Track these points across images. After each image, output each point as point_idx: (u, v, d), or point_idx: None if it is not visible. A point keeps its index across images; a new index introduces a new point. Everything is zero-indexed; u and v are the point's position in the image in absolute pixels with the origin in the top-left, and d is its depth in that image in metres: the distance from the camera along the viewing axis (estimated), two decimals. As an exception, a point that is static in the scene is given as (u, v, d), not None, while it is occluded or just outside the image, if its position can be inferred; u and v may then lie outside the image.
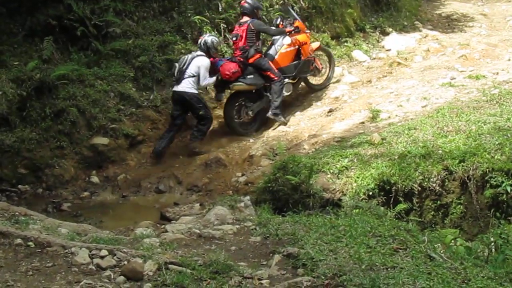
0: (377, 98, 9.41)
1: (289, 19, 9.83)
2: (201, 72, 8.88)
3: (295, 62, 9.71)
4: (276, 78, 9.25)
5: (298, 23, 9.75)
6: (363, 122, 8.53)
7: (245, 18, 9.34)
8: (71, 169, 8.35)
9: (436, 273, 4.01)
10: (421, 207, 6.68)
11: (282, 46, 9.63)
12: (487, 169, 6.49)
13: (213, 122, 9.25)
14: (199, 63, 8.89)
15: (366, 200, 6.47)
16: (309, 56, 9.87)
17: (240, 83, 9.21)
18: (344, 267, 4.05)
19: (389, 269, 4.08)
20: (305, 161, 7.08)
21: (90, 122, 8.63)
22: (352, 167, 6.94)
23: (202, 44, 9.10)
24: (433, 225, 6.49)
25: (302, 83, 10.21)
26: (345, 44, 11.74)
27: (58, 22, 9.27)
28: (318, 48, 10.26)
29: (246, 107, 9.38)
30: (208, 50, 9.06)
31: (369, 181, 6.63)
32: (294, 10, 10.32)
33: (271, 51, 9.66)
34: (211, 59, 9.07)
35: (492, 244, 4.92)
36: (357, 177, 6.74)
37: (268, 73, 9.27)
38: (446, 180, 6.66)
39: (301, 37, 9.74)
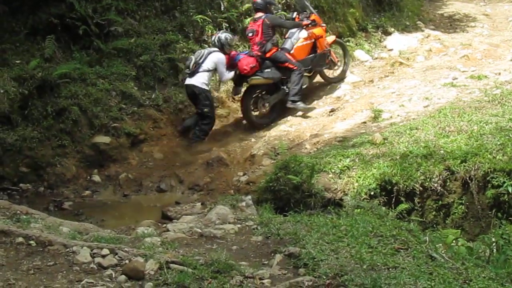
0: (379, 98, 9.40)
1: (305, 12, 9.93)
2: (219, 69, 9.03)
3: (311, 55, 9.82)
4: (295, 68, 9.37)
5: (314, 16, 9.89)
6: (365, 122, 8.53)
7: (259, 14, 9.44)
8: (73, 168, 8.34)
9: (438, 273, 4.00)
10: (422, 207, 6.67)
11: (298, 39, 9.74)
12: (489, 169, 6.48)
13: (215, 121, 9.26)
14: (215, 59, 8.99)
15: (368, 200, 6.46)
16: (325, 49, 9.96)
17: (258, 77, 9.30)
18: (345, 267, 4.05)
19: (390, 269, 4.07)
20: (307, 161, 7.07)
21: (91, 121, 8.63)
22: (353, 167, 6.93)
23: (216, 40, 9.20)
24: (434, 225, 6.48)
25: (318, 77, 10.30)
26: (347, 43, 11.74)
27: (60, 20, 9.27)
28: (334, 42, 10.36)
29: (263, 99, 9.48)
30: (222, 47, 9.15)
31: (371, 181, 6.63)
32: (309, 3, 10.37)
33: (287, 45, 9.74)
34: (227, 56, 9.17)
35: (494, 244, 4.92)
36: (359, 177, 6.74)
37: (286, 64, 9.38)
38: (448, 180, 6.65)
39: (317, 31, 9.86)
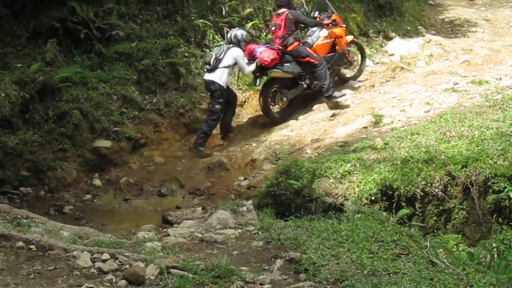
0: (380, 103, 9.40)
1: (326, 12, 10.08)
2: (240, 64, 9.19)
3: (330, 54, 9.95)
4: (316, 62, 9.45)
5: (335, 16, 10.05)
6: (365, 127, 8.52)
7: (282, 9, 9.54)
8: (74, 172, 8.35)
9: (438, 278, 3.99)
10: (423, 212, 6.66)
11: (319, 38, 9.90)
12: (490, 175, 6.46)
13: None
14: (234, 54, 9.12)
15: (369, 205, 6.45)
16: (344, 49, 10.12)
17: (278, 70, 9.42)
18: (346, 272, 4.04)
19: (391, 274, 4.07)
20: (308, 166, 7.06)
21: (92, 125, 8.65)
22: (354, 172, 6.92)
23: (232, 37, 9.34)
24: (435, 231, 6.46)
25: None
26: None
27: (62, 24, 9.31)
28: (351, 42, 10.51)
29: (281, 93, 9.60)
30: (238, 43, 9.28)
31: (372, 186, 6.61)
32: (330, 4, 10.46)
33: (309, 41, 9.87)
34: (246, 49, 9.33)
35: (495, 249, 4.90)
36: (360, 182, 6.72)
37: (308, 58, 9.46)
38: (449, 186, 6.63)
39: (337, 30, 10.03)
